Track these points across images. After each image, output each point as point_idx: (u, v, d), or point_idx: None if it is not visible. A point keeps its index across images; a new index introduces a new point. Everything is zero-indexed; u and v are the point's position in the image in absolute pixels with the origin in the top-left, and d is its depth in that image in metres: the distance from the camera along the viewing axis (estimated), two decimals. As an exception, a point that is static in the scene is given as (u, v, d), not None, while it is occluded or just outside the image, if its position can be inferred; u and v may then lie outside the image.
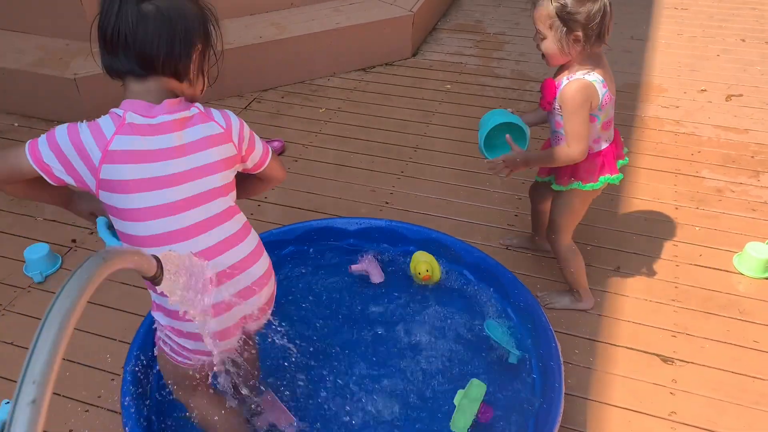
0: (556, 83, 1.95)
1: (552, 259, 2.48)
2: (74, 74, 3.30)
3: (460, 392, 1.88)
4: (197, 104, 1.44)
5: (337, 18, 3.93)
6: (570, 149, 1.95)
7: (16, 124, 3.49)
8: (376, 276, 2.33)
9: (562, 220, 2.19)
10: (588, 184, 2.08)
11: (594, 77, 1.88)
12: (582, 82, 1.87)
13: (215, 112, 1.45)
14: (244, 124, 1.50)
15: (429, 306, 2.25)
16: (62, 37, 3.59)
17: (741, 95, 3.67)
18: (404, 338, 2.13)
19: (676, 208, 2.84)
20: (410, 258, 2.34)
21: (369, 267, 2.35)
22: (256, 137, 1.54)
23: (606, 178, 2.08)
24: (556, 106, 1.97)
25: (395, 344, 2.11)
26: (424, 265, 2.26)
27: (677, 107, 3.58)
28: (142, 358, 1.92)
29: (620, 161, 2.13)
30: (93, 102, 3.38)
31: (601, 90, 1.89)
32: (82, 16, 3.44)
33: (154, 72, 1.37)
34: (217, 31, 1.44)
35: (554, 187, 2.16)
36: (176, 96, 1.41)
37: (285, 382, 1.98)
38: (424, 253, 2.31)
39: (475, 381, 1.91)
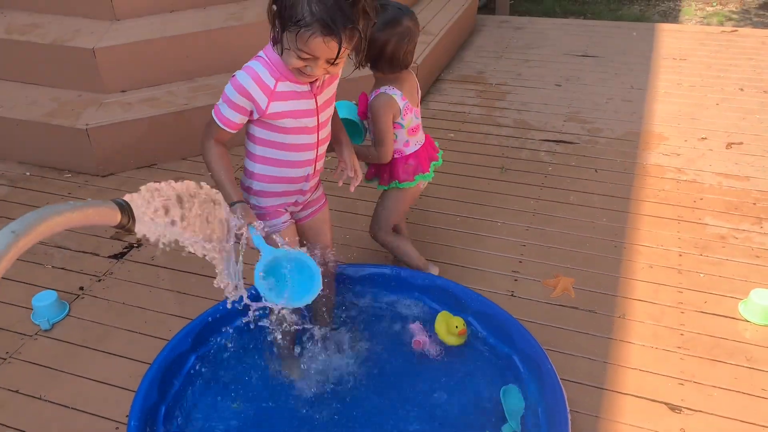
0: (369, 96, 2.31)
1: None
2: (86, 124, 3.37)
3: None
4: None
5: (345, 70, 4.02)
6: (376, 150, 2.31)
7: (28, 173, 3.56)
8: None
9: (384, 214, 2.53)
10: (404, 183, 2.42)
11: (394, 92, 2.24)
12: (383, 96, 2.24)
13: None
14: None
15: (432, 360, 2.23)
16: (74, 89, 3.68)
17: (741, 143, 3.72)
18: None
19: (680, 255, 2.85)
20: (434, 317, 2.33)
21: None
22: None
23: (420, 176, 2.42)
24: (369, 115, 2.30)
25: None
26: (459, 320, 2.21)
27: (678, 155, 3.63)
28: (148, 406, 1.92)
29: (434, 162, 2.49)
30: (103, 151, 3.45)
31: (401, 102, 2.25)
32: (95, 67, 3.54)
33: None
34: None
35: (378, 187, 2.50)
36: None
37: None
38: (447, 312, 2.30)
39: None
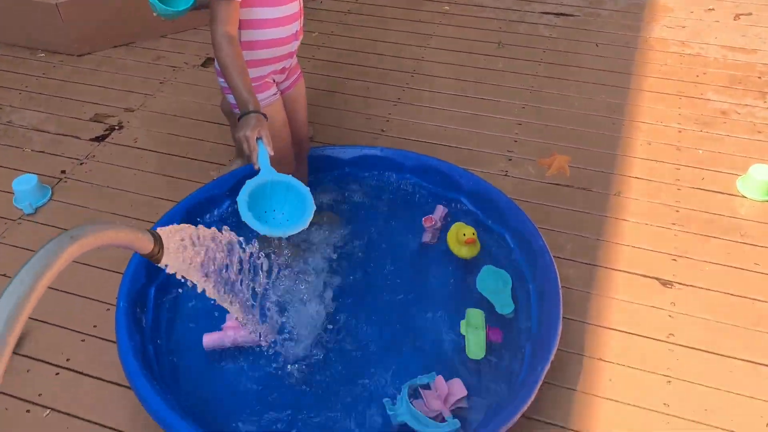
0: None
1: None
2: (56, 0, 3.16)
3: (462, 323, 1.87)
4: None
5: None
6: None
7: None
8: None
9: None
10: None
11: None
12: None
13: None
14: None
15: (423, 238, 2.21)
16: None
17: (750, 14, 3.53)
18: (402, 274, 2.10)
19: (680, 132, 2.77)
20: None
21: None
22: None
23: None
24: None
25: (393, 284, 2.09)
26: (469, 229, 2.08)
27: (683, 27, 3.45)
28: (137, 287, 1.90)
29: None
30: (77, 28, 3.25)
31: None
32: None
33: None
34: None
35: None
36: None
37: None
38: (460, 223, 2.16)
39: (470, 310, 1.89)
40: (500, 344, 1.86)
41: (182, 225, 1.40)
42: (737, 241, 2.28)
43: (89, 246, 1.00)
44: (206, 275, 1.48)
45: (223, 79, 1.80)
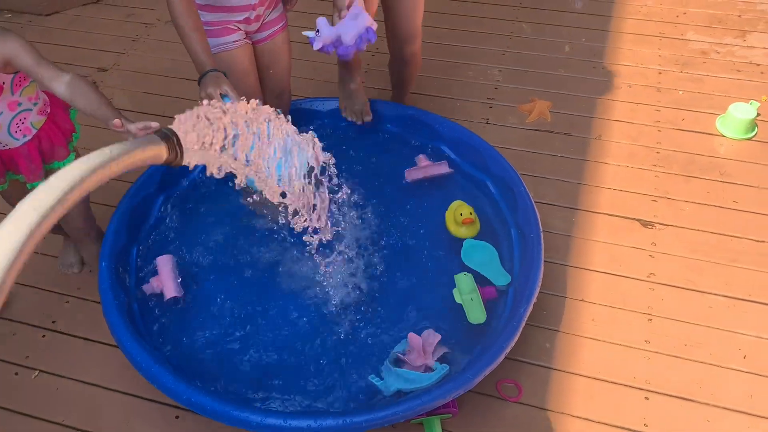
0: None
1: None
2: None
3: (455, 291, 1.84)
4: None
5: None
6: None
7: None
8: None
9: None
10: None
11: None
12: None
13: None
14: None
15: (407, 193, 2.18)
16: None
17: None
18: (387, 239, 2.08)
19: (660, 73, 2.75)
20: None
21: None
22: None
23: None
24: None
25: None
26: (467, 208, 2.01)
27: (663, -33, 3.40)
28: (118, 247, 1.89)
29: None
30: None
31: None
32: None
33: None
34: None
35: None
36: None
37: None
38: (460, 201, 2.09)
39: (458, 276, 1.86)
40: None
41: (193, 110, 1.26)
42: (717, 180, 2.29)
43: (113, 172, 0.96)
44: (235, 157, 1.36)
45: None
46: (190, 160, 1.23)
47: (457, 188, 2.15)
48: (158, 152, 1.13)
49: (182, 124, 1.21)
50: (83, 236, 1.99)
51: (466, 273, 1.86)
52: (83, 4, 3.29)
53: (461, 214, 1.98)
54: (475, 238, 1.98)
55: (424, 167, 2.17)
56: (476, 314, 1.77)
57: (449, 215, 2.04)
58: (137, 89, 2.80)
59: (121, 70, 2.89)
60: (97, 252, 1.89)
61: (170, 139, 1.16)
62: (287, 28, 2.01)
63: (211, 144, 1.25)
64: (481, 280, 1.86)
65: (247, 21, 1.84)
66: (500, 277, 1.86)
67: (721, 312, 1.91)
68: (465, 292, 1.81)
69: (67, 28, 3.15)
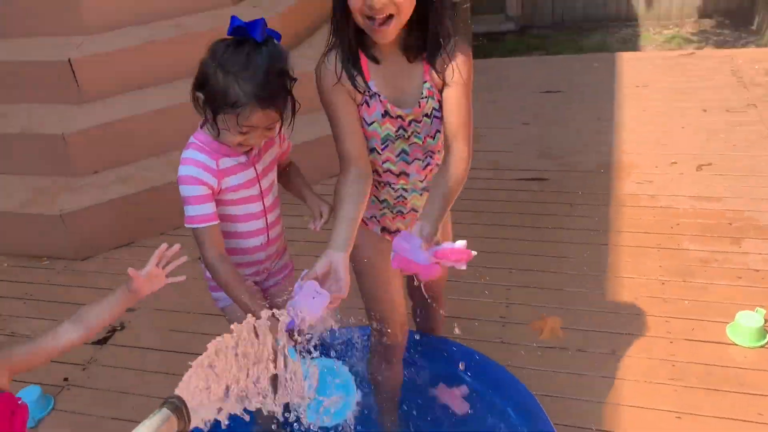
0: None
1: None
2: (60, 210, 3.37)
3: None
4: None
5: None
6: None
7: (6, 264, 3.53)
8: None
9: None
10: None
11: None
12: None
13: None
14: None
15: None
16: (48, 175, 3.67)
17: (711, 164, 3.78)
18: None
19: (663, 283, 2.86)
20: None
21: None
22: None
23: None
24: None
25: None
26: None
27: (651, 182, 3.68)
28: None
29: None
30: (80, 235, 3.44)
31: None
32: (66, 152, 3.55)
33: None
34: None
35: None
36: None
37: None
38: None
39: None
40: None
41: (193, 368, 1.26)
42: (738, 392, 2.29)
43: None
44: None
45: (210, 276, 1.85)
46: (202, 416, 1.24)
47: (476, 420, 2.16)
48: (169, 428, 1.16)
49: (189, 385, 1.23)
50: None
51: None
52: (115, 247, 3.54)
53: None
54: None
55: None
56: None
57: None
58: (164, 326, 2.92)
59: (149, 309, 3.04)
60: None
61: (179, 408, 1.18)
62: (293, 272, 2.15)
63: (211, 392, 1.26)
64: None
65: (257, 274, 2.00)
66: None
67: None
68: None
69: (99, 271, 3.37)
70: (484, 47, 7.12)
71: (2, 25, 4.05)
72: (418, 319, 2.31)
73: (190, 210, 1.74)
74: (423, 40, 1.61)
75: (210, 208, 1.75)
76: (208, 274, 1.92)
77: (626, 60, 5.51)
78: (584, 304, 2.79)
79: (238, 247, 1.90)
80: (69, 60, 3.64)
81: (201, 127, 1.77)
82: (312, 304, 1.45)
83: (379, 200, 1.87)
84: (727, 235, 3.15)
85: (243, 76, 1.58)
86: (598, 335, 2.61)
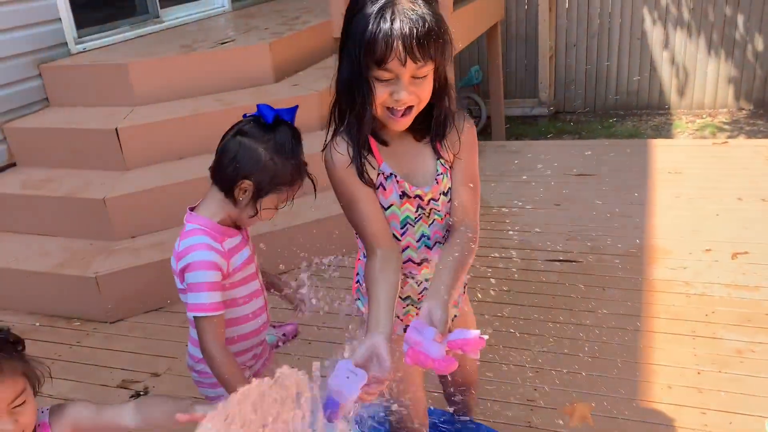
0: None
1: None
2: (95, 273, 3.43)
3: None
4: None
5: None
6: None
7: (37, 324, 3.58)
8: None
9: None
10: None
11: None
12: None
13: None
14: None
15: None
16: (86, 238, 3.77)
17: (747, 252, 3.72)
18: None
19: (699, 373, 2.77)
20: None
21: None
22: None
23: None
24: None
25: None
26: None
27: (685, 268, 3.62)
28: None
29: None
30: (112, 298, 3.48)
31: None
32: (105, 216, 3.65)
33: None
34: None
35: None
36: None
37: None
38: None
39: None
40: None
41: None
42: (780, 492, 2.17)
43: None
44: None
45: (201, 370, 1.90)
46: None
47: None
48: None
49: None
50: None
51: None
52: (145, 311, 3.58)
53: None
54: None
55: None
56: None
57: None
58: (188, 393, 2.89)
59: (173, 375, 3.04)
60: None
61: None
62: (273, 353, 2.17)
63: None
64: None
65: (255, 357, 2.01)
66: None
67: None
68: None
69: (128, 335, 3.40)
70: (517, 129, 7.25)
71: (61, 95, 4.30)
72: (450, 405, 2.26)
73: (203, 297, 1.72)
74: (428, 119, 1.60)
75: (220, 296, 1.75)
76: (198, 368, 1.91)
77: (659, 147, 5.55)
78: (615, 390, 2.70)
79: (245, 332, 1.90)
80: (116, 129, 3.81)
81: (191, 211, 1.82)
82: (348, 385, 1.38)
83: (401, 298, 1.75)
84: (764, 325, 3.06)
85: (294, 157, 1.76)
86: (630, 424, 2.51)
